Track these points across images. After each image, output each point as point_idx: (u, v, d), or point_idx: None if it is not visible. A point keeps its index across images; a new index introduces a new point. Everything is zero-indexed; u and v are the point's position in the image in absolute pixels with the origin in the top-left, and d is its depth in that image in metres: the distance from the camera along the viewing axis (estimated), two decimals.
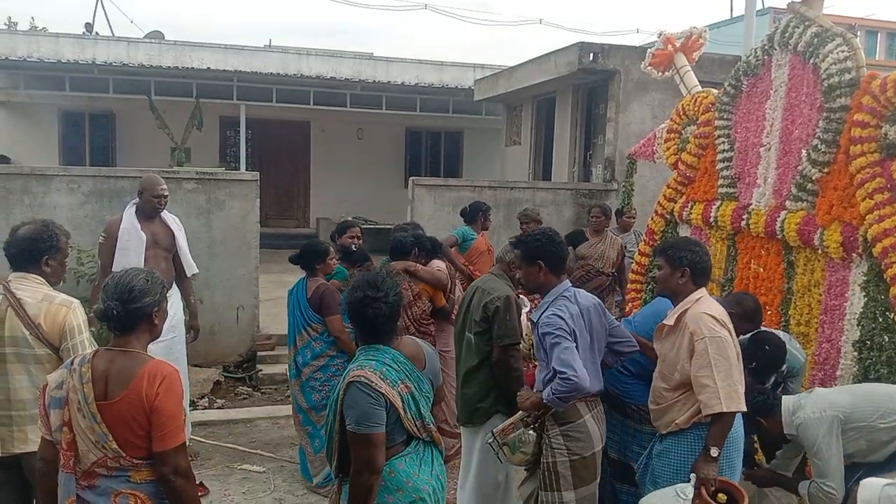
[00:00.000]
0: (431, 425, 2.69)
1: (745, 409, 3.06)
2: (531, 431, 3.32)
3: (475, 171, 15.79)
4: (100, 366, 2.34)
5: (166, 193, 5.03)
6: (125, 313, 2.35)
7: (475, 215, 6.68)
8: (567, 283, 3.41)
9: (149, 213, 4.94)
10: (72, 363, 2.38)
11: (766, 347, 3.59)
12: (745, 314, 3.75)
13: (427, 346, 2.82)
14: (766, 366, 3.63)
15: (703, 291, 3.21)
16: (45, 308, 2.93)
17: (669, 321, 3.21)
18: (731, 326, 3.14)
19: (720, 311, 3.14)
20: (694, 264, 3.18)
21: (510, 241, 4.08)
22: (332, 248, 4.82)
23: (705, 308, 3.12)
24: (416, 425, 2.62)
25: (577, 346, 3.17)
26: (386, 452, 2.56)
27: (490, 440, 3.47)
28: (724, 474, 3.09)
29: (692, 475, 3.01)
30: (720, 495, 2.98)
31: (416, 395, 2.62)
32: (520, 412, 3.39)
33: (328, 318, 4.53)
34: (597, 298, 3.56)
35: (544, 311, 3.27)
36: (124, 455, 2.29)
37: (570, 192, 9.01)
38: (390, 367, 2.58)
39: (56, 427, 2.34)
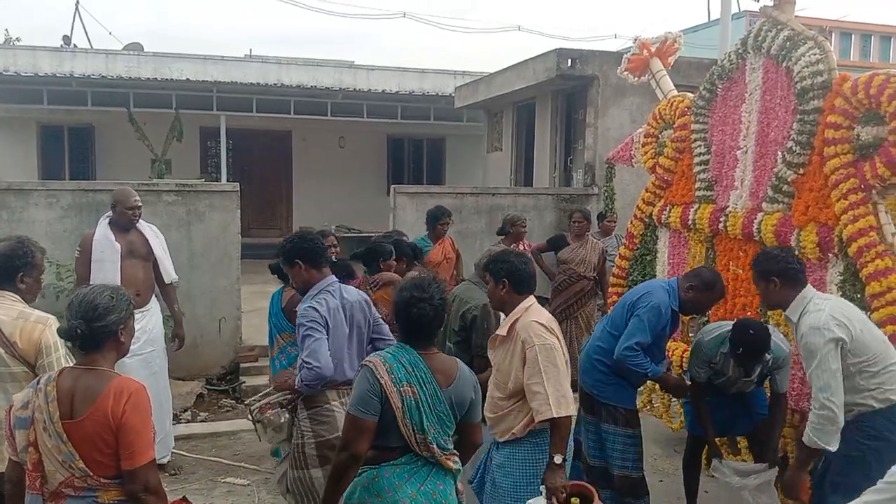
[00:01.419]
0: (435, 445, 2.57)
1: (574, 413, 3.11)
2: (285, 413, 3.55)
3: (458, 177, 15.82)
4: (65, 384, 2.30)
5: (139, 204, 5.00)
6: (89, 331, 2.31)
7: (427, 225, 6.66)
8: (332, 277, 3.59)
9: (124, 224, 4.92)
10: (38, 382, 2.35)
11: (751, 332, 3.62)
12: (703, 284, 3.88)
13: (465, 371, 2.71)
14: (751, 350, 3.62)
15: (531, 300, 3.24)
16: (20, 325, 2.89)
17: (502, 331, 3.22)
18: (559, 334, 3.19)
19: (549, 319, 3.22)
20: (511, 274, 3.22)
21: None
22: None
23: (535, 316, 3.16)
24: (415, 437, 2.54)
25: (329, 337, 3.40)
26: (380, 454, 2.56)
27: (248, 415, 3.68)
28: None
29: (542, 487, 3.02)
30: (573, 499, 3.05)
31: (423, 405, 2.54)
32: (279, 393, 3.60)
33: None
34: (364, 294, 3.75)
35: (306, 304, 3.45)
36: (91, 474, 2.26)
37: (552, 197, 9.05)
38: (402, 365, 2.57)
39: (22, 447, 2.30)
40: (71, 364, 2.82)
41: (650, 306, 3.81)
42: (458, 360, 2.78)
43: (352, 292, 3.62)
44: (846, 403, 3.12)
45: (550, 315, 3.28)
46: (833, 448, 3.12)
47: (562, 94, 10.08)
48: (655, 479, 5.11)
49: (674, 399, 5.27)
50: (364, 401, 2.51)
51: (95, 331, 2.32)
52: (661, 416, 5.32)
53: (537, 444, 3.15)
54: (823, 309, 3.23)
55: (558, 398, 3.01)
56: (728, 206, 4.66)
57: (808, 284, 3.43)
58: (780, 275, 3.39)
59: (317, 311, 3.38)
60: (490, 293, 3.37)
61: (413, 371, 2.55)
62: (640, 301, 3.87)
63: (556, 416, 2.99)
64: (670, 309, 3.85)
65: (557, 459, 3.02)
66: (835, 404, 3.08)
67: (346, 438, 2.55)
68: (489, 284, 3.35)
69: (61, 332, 2.36)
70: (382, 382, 2.50)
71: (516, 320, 3.17)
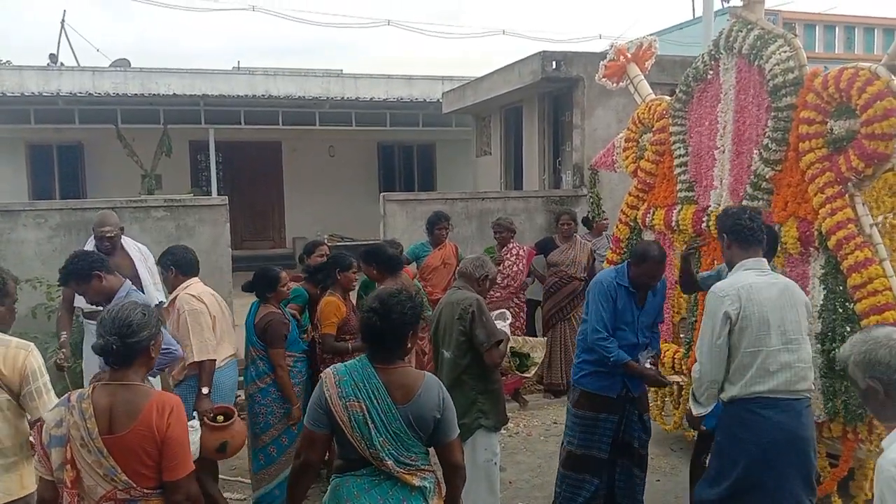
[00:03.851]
0: (391, 461, 2.50)
1: (214, 357, 4.15)
2: None
3: (449, 182, 15.85)
4: (102, 401, 2.35)
5: (109, 235, 5.00)
6: (124, 348, 2.37)
7: (427, 230, 6.71)
8: (127, 281, 3.98)
9: (100, 250, 4.87)
10: (69, 400, 2.38)
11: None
12: (634, 256, 4.01)
13: (431, 389, 2.57)
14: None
15: (192, 280, 4.33)
16: (2, 352, 2.86)
17: (169, 304, 4.32)
18: (209, 302, 4.24)
19: (200, 292, 4.27)
20: (175, 263, 4.29)
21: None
22: (284, 275, 4.66)
23: (190, 290, 4.25)
24: (368, 452, 2.50)
25: None
26: (345, 464, 2.59)
27: None
28: (218, 402, 4.16)
29: (195, 412, 3.98)
30: (219, 417, 3.94)
31: (373, 421, 2.49)
32: None
33: (271, 351, 4.44)
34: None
35: None
36: (135, 486, 2.32)
37: (542, 199, 9.07)
38: (352, 379, 2.54)
39: (58, 466, 2.34)
40: (53, 391, 2.85)
41: (592, 284, 4.20)
42: (428, 376, 2.66)
43: (139, 294, 4.01)
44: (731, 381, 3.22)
45: (204, 289, 4.34)
46: (696, 411, 3.33)
47: (548, 96, 10.12)
48: (653, 479, 5.14)
49: (667, 399, 5.30)
50: (312, 413, 2.56)
51: (129, 347, 2.38)
52: (655, 417, 5.34)
53: (193, 384, 4.15)
54: (735, 281, 3.25)
55: (200, 347, 4.08)
56: (709, 206, 4.70)
57: (761, 257, 3.34)
58: (729, 232, 3.36)
59: None
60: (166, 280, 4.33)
61: (363, 386, 2.51)
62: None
63: (197, 359, 4.06)
64: (614, 284, 4.02)
65: (204, 390, 4.10)
66: (709, 371, 3.21)
67: (300, 447, 2.67)
68: (169, 274, 4.27)
69: (96, 349, 2.40)
70: (328, 396, 2.51)
71: (178, 295, 4.22)
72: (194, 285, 4.31)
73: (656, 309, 4.21)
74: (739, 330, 3.14)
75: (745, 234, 3.32)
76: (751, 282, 3.20)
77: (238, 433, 4.00)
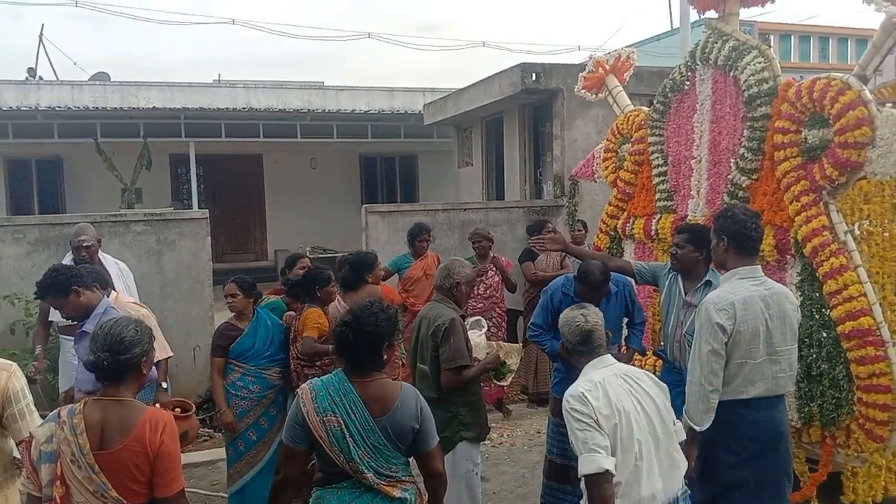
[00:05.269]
0: (371, 474, 2.51)
1: (171, 354, 4.36)
2: None
3: (431, 193, 15.86)
4: (93, 416, 2.34)
5: (86, 245, 4.99)
6: (115, 364, 2.37)
7: (408, 242, 6.71)
8: (104, 296, 3.98)
9: (78, 262, 4.89)
10: (59, 415, 2.36)
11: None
12: (577, 274, 4.07)
13: (408, 400, 2.59)
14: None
15: (112, 293, 4.26)
16: None
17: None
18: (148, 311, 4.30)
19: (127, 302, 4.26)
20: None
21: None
22: (230, 286, 4.69)
23: (123, 300, 4.25)
24: (347, 466, 2.51)
25: None
26: (326, 478, 2.58)
27: None
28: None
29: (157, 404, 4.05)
30: (176, 409, 3.94)
31: (351, 435, 2.49)
32: None
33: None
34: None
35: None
36: (125, 503, 2.30)
37: (523, 210, 9.09)
38: (329, 394, 2.54)
39: (48, 482, 2.31)
40: (36, 412, 2.82)
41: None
42: (405, 386, 2.67)
43: (116, 311, 3.94)
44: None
45: (131, 298, 4.50)
46: (699, 427, 3.18)
47: (528, 107, 10.18)
48: None
49: None
50: (290, 429, 2.57)
51: (121, 363, 2.38)
52: None
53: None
54: (729, 293, 3.20)
55: (159, 347, 4.04)
56: (688, 215, 4.75)
57: (756, 265, 3.32)
58: (732, 237, 3.28)
59: None
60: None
61: (340, 400, 2.51)
62: None
63: (159, 358, 3.88)
64: (560, 292, 4.22)
65: (164, 385, 4.31)
66: (703, 380, 3.16)
67: (278, 463, 2.66)
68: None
69: (88, 365, 2.39)
70: (305, 412, 2.52)
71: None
72: (121, 297, 4.30)
73: (616, 314, 4.24)
74: (732, 343, 3.16)
75: (747, 243, 3.27)
76: (744, 296, 3.17)
77: (195, 424, 4.11)
